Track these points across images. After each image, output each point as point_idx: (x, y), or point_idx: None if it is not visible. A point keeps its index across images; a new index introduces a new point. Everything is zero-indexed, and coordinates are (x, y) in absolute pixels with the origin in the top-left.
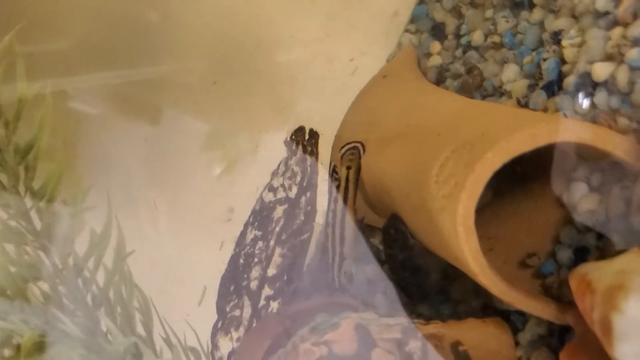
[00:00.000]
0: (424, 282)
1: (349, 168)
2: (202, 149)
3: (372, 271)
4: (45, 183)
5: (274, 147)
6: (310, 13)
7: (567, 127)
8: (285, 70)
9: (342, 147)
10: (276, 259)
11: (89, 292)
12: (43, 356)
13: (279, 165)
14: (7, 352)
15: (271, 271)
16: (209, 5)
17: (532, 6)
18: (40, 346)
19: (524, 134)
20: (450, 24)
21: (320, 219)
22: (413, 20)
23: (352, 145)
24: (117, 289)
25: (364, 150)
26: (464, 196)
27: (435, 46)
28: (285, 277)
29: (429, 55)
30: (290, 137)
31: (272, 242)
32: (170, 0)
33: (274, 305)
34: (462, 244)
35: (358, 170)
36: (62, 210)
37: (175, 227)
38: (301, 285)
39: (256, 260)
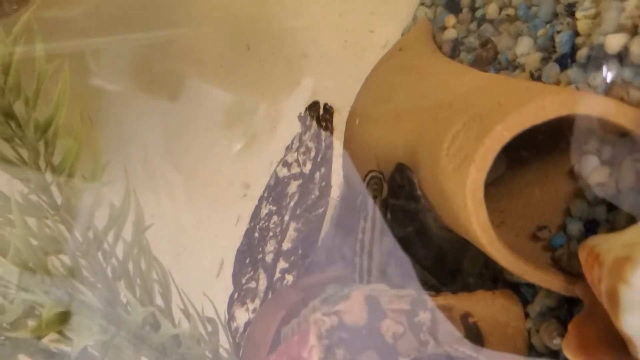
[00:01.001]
0: (430, 244)
1: (374, 197)
2: (219, 125)
3: (386, 244)
4: (64, 158)
5: (289, 122)
6: None
7: (578, 100)
8: (300, 44)
9: (366, 176)
10: (291, 233)
11: (108, 264)
12: (64, 326)
13: (292, 141)
14: (30, 323)
15: (286, 245)
16: None
17: None
18: (61, 317)
19: (533, 106)
20: None
21: (334, 193)
22: None
23: (375, 174)
24: (136, 262)
25: (384, 179)
26: (472, 169)
27: (450, 19)
28: (300, 251)
29: (443, 28)
30: (305, 112)
31: (286, 217)
32: None
33: (289, 278)
34: (471, 216)
35: (384, 200)
36: (82, 185)
37: (193, 202)
38: (316, 259)
39: (271, 234)
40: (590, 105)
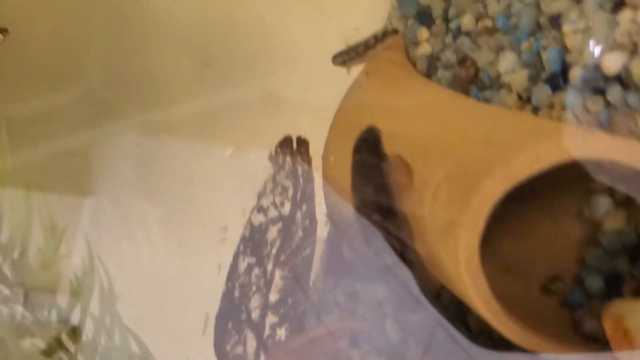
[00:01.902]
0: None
1: None
2: (190, 162)
3: (381, 292)
4: (11, 235)
5: (259, 161)
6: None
7: (578, 143)
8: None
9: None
10: (277, 282)
11: (78, 345)
12: None
13: (265, 184)
14: None
15: (273, 297)
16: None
17: None
18: None
19: (526, 156)
20: (437, 7)
21: (321, 230)
22: (397, 4)
23: None
24: (109, 336)
25: None
26: (463, 235)
27: (423, 33)
28: (290, 301)
29: (417, 43)
30: (275, 151)
31: (270, 266)
32: None
33: (281, 333)
34: (469, 289)
35: None
36: (36, 261)
37: (169, 249)
38: (308, 306)
39: (254, 288)
40: (593, 148)
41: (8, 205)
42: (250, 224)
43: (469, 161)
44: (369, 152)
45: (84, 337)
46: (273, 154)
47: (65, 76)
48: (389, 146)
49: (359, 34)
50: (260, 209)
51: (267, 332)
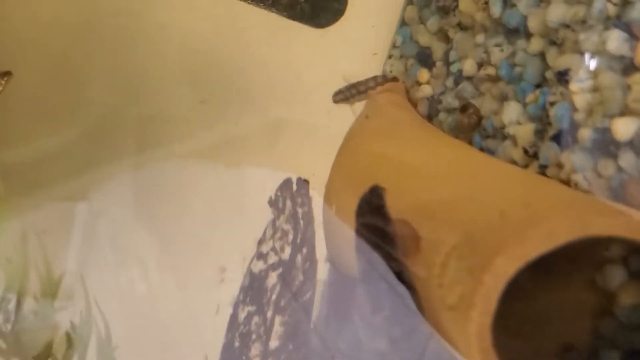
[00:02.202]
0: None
1: None
2: (188, 201)
3: (383, 345)
4: (7, 286)
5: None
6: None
7: (593, 218)
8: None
9: None
10: (277, 329)
11: None
12: None
13: (265, 231)
14: None
15: (273, 343)
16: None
17: (529, 35)
18: None
19: (540, 233)
20: (438, 49)
21: (320, 272)
22: (396, 44)
23: None
24: None
25: None
26: (475, 315)
27: (424, 74)
28: (291, 346)
29: (417, 84)
30: (275, 195)
31: (269, 313)
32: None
33: None
34: None
35: None
36: (32, 313)
37: (167, 292)
38: (312, 347)
39: (254, 337)
40: (609, 225)
41: (3, 255)
42: (249, 272)
43: (480, 233)
44: (374, 216)
45: None
46: (273, 198)
47: (62, 119)
48: (394, 207)
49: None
50: (260, 256)
51: None
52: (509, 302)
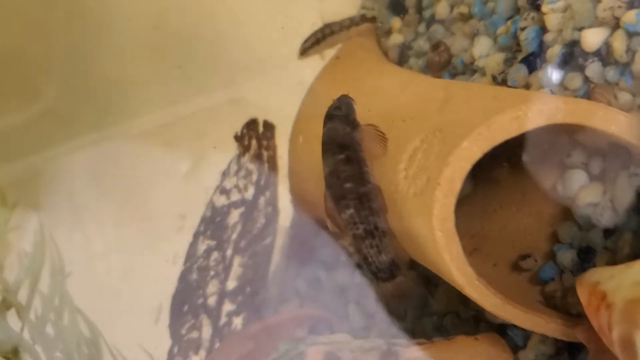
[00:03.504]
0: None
1: None
2: (151, 149)
3: (343, 277)
4: None
5: (224, 144)
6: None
7: (558, 106)
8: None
9: None
10: (236, 269)
11: (25, 322)
12: None
13: (229, 164)
14: None
15: (231, 284)
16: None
17: None
18: None
19: (505, 117)
20: None
21: (283, 220)
22: None
23: None
24: (57, 316)
25: None
26: (439, 194)
27: (396, 22)
28: (249, 289)
29: (389, 32)
30: (242, 132)
31: (229, 252)
32: None
33: (238, 322)
34: (443, 252)
35: None
36: None
37: (122, 240)
38: (267, 296)
39: (212, 273)
40: (572, 112)
41: None
42: (212, 204)
43: (447, 125)
44: (342, 120)
45: (31, 316)
46: (239, 134)
47: (22, 95)
48: (361, 117)
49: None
50: (223, 190)
51: (223, 319)
52: (465, 222)
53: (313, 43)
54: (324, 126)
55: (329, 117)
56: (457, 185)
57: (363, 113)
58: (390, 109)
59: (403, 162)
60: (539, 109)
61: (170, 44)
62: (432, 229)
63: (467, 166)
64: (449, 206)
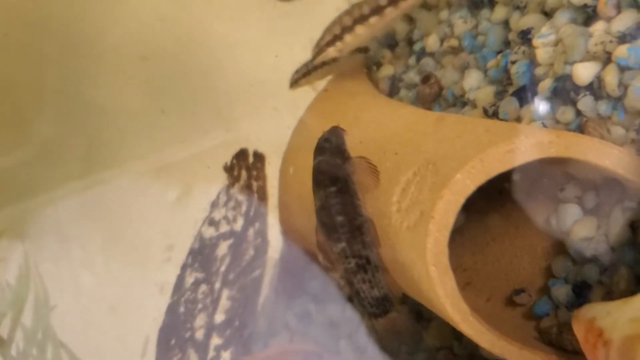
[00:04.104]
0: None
1: None
2: (139, 181)
3: (334, 311)
4: None
5: (213, 176)
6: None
7: (551, 140)
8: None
9: None
10: (224, 302)
11: (7, 358)
12: None
13: (218, 195)
14: None
15: (219, 317)
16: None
17: (493, 4)
18: None
19: (499, 150)
20: (401, 30)
21: (272, 252)
22: None
23: None
24: (40, 350)
25: None
26: (433, 228)
27: (386, 54)
28: (237, 323)
29: (379, 64)
30: (231, 162)
31: (217, 284)
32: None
33: (226, 356)
34: (437, 287)
35: None
36: None
37: (108, 271)
38: (256, 329)
39: (200, 306)
40: (567, 147)
41: None
42: (200, 236)
43: (440, 158)
44: (332, 152)
45: (13, 351)
46: (228, 164)
47: (11, 138)
48: (353, 149)
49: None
50: (212, 222)
51: (211, 354)
52: (458, 255)
53: (304, 74)
54: (314, 159)
55: (319, 149)
56: (451, 218)
57: (354, 145)
58: (382, 141)
59: (396, 195)
60: (533, 142)
61: (161, 76)
62: (426, 263)
63: (460, 199)
64: (442, 240)
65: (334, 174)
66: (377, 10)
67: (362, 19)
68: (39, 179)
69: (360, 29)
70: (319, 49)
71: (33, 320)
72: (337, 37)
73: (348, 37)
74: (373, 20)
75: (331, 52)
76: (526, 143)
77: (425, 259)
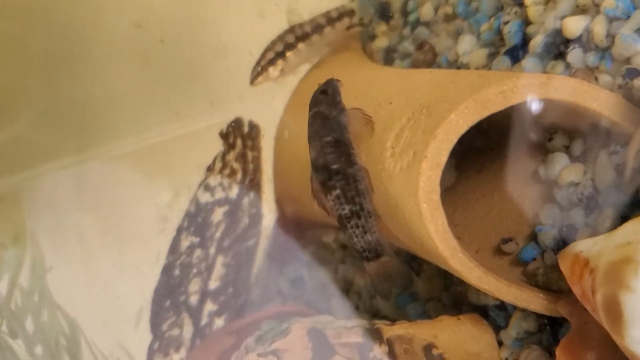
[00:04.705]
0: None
1: None
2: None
3: (325, 274)
4: None
5: (209, 140)
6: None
7: (542, 82)
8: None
9: None
10: (218, 269)
11: (3, 318)
12: None
13: (214, 161)
14: None
15: (213, 283)
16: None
17: None
18: None
19: (491, 91)
20: (396, 1)
21: (267, 223)
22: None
23: None
24: (37, 312)
25: None
26: (425, 166)
27: (380, 27)
28: (231, 290)
29: (373, 37)
30: (227, 129)
31: (212, 250)
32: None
33: (219, 323)
34: (428, 223)
35: None
36: None
37: (103, 242)
38: (249, 297)
39: (195, 271)
40: (557, 89)
41: None
42: (196, 200)
43: (433, 102)
44: (328, 104)
45: (12, 306)
46: (224, 131)
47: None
48: (349, 105)
49: None
50: (207, 187)
51: (204, 320)
52: (449, 213)
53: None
54: (309, 110)
55: (315, 100)
56: (444, 157)
57: (350, 100)
58: (376, 94)
59: (390, 141)
60: (525, 84)
61: (154, 57)
62: (418, 201)
63: (453, 139)
64: (434, 178)
65: (329, 124)
66: (318, 29)
67: (304, 37)
68: (32, 151)
69: (302, 47)
70: (261, 67)
71: (30, 280)
72: (280, 55)
73: (290, 55)
74: (314, 38)
75: (272, 71)
76: (518, 84)
77: (417, 197)
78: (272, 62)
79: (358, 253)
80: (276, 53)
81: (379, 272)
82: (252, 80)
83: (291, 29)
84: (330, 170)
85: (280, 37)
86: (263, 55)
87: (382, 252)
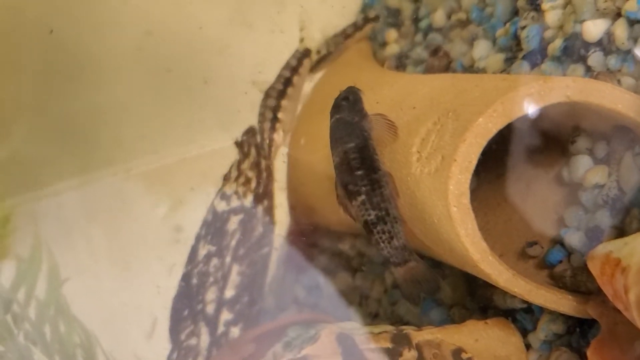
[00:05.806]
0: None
1: None
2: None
3: (342, 281)
4: None
5: (224, 152)
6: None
7: (568, 84)
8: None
9: None
10: (234, 277)
11: (20, 329)
12: None
13: (230, 169)
14: None
15: (229, 292)
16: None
17: None
18: None
19: (519, 94)
20: (407, 8)
21: (280, 231)
22: (364, 9)
23: None
24: (54, 323)
25: None
26: (455, 170)
27: (391, 34)
28: (246, 299)
29: (384, 45)
30: (242, 138)
31: (228, 259)
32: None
33: (235, 331)
34: (458, 227)
35: None
36: None
37: (117, 253)
38: (264, 306)
39: (211, 279)
40: (582, 91)
41: None
42: (213, 208)
43: (460, 105)
44: (350, 110)
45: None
46: (239, 140)
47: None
48: (371, 110)
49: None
50: (223, 195)
51: (221, 329)
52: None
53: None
54: (331, 117)
55: (337, 107)
56: (473, 161)
57: (371, 106)
58: (398, 99)
59: (415, 145)
60: (551, 86)
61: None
62: (448, 205)
63: (482, 142)
64: (464, 182)
65: (351, 130)
66: (287, 82)
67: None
68: (47, 168)
69: (285, 103)
70: (268, 140)
71: (46, 292)
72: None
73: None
74: (289, 91)
75: (277, 138)
76: (544, 87)
77: (447, 200)
78: (272, 130)
79: (385, 259)
80: (270, 120)
81: (407, 277)
82: (269, 157)
83: (266, 94)
84: (355, 176)
85: (263, 104)
86: (261, 127)
87: (410, 257)
